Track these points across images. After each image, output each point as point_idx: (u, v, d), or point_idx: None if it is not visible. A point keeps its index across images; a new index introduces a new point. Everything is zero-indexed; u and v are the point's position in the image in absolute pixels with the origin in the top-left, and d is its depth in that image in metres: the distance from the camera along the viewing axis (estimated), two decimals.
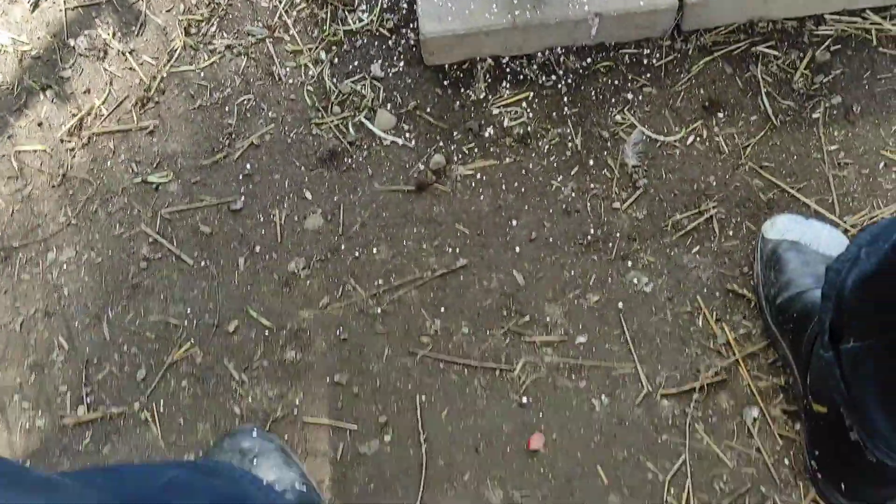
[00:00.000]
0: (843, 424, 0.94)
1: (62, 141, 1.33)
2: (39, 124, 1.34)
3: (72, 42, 1.39)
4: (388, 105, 1.32)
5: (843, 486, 0.99)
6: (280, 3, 1.40)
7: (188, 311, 1.21)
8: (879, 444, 0.86)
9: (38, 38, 1.41)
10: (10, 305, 1.23)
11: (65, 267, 1.25)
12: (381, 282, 1.21)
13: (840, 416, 0.94)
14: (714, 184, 1.23)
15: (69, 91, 1.36)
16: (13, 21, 1.42)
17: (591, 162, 1.26)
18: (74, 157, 1.32)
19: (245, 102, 1.33)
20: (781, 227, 1.14)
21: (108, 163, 1.31)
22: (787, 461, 1.07)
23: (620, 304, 1.18)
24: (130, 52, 1.38)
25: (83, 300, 1.23)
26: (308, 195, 1.27)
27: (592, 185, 1.25)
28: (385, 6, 1.38)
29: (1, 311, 1.23)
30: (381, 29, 1.36)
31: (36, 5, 1.43)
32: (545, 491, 1.08)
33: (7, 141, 1.33)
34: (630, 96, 1.30)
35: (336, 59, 1.35)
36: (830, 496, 1.01)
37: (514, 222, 1.24)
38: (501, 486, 1.09)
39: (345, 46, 1.36)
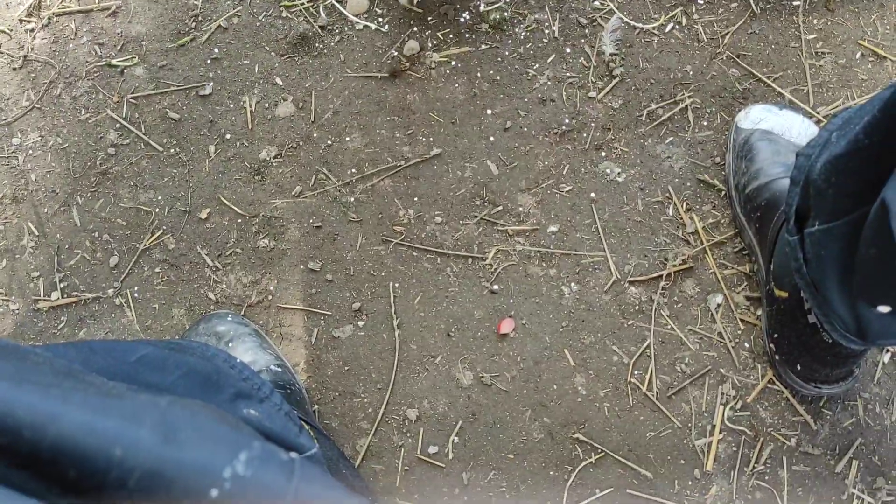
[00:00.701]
0: (801, 308, 0.97)
1: (21, 21, 1.28)
2: None
3: None
4: None
5: (798, 367, 1.03)
6: None
7: (159, 199, 1.20)
8: (836, 325, 0.89)
9: None
10: None
11: (30, 152, 1.22)
12: (354, 170, 1.21)
13: (800, 300, 0.97)
14: (691, 73, 1.22)
15: None
16: None
17: (568, 50, 1.24)
18: (35, 38, 1.27)
19: None
20: (755, 117, 1.14)
21: (71, 45, 1.26)
22: (747, 345, 1.11)
23: (593, 194, 1.18)
24: None
25: (51, 186, 1.21)
26: (279, 81, 1.24)
27: (569, 74, 1.23)
28: None
29: None
30: None
31: None
32: (514, 373, 1.11)
33: None
34: None
35: None
36: (786, 376, 1.06)
37: (489, 111, 1.22)
38: (472, 369, 1.12)
39: None
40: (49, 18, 1.27)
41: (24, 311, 1.17)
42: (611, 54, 1.23)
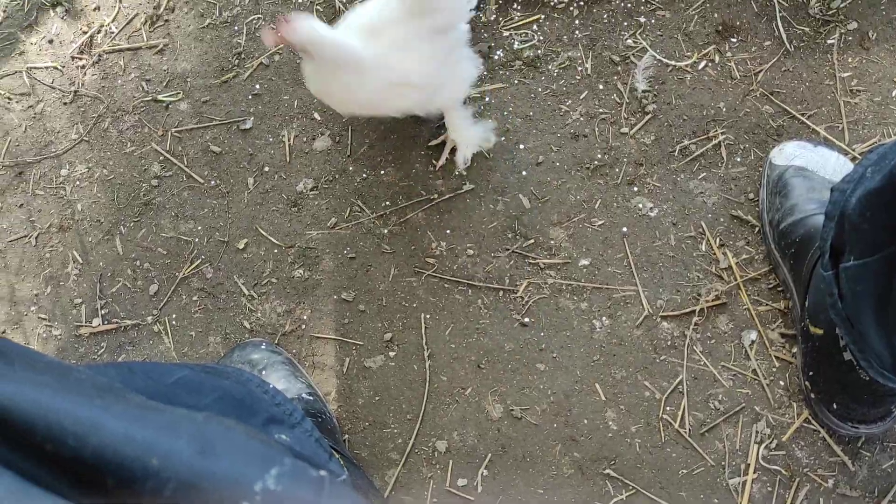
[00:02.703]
0: (837, 345, 0.95)
1: (73, 58, 1.33)
2: (50, 41, 1.35)
3: None
4: None
5: (834, 406, 1.01)
6: None
7: (199, 229, 1.23)
8: (872, 362, 0.88)
9: None
10: (26, 220, 1.26)
11: (77, 183, 1.27)
12: (388, 203, 1.23)
13: (835, 337, 0.95)
14: (724, 110, 1.23)
15: (79, 8, 1.36)
16: None
17: (601, 86, 1.26)
18: (85, 74, 1.32)
19: (254, 21, 1.33)
20: (789, 154, 1.13)
21: (119, 81, 1.32)
22: (782, 382, 1.09)
23: (625, 229, 1.19)
24: None
25: (96, 216, 1.25)
26: (317, 116, 1.28)
27: (601, 110, 1.24)
28: None
29: (17, 225, 1.25)
30: None
31: None
32: (544, 406, 1.11)
33: (19, 58, 1.34)
34: (643, 19, 1.28)
35: None
36: (822, 415, 1.04)
37: (522, 146, 1.24)
38: (502, 401, 1.12)
39: None
40: (99, 56, 1.33)
41: (66, 336, 1.20)
42: (643, 91, 1.24)
